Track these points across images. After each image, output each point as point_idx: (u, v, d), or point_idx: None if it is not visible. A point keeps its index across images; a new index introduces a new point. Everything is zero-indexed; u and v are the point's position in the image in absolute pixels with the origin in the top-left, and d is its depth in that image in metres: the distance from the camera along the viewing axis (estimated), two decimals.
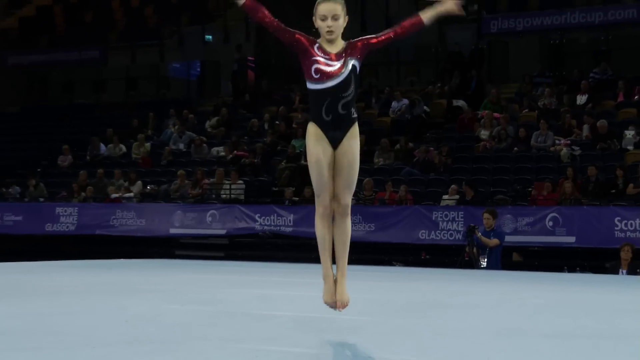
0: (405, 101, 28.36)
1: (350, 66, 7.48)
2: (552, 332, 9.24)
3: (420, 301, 12.78)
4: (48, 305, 11.25)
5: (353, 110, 7.56)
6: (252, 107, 31.77)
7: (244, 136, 29.80)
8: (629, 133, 23.95)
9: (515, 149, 25.13)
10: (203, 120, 31.77)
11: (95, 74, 38.22)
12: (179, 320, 9.63)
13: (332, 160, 7.57)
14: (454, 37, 31.76)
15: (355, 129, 7.60)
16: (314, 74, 7.44)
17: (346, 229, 7.74)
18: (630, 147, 23.67)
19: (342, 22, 7.52)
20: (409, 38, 26.86)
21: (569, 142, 24.35)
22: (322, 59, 7.45)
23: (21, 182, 30.29)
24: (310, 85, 7.52)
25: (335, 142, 7.55)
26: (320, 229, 7.63)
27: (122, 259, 21.76)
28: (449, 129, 27.58)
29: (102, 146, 31.64)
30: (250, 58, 34.47)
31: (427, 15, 7.73)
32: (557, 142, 24.50)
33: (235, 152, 28.55)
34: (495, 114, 26.53)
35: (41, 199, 29.15)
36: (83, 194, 28.54)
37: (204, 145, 29.81)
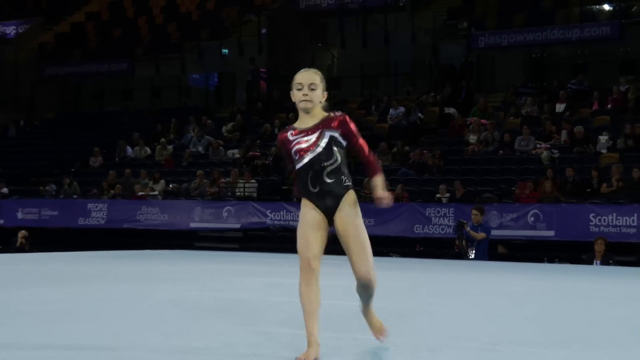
0: (402, 109, 28.32)
1: (327, 137, 6.44)
2: (534, 316, 9.24)
3: (415, 289, 12.78)
4: (81, 291, 11.26)
5: (344, 178, 6.45)
6: (264, 114, 31.74)
7: (256, 140, 29.78)
8: (603, 138, 23.94)
9: (501, 152, 25.10)
10: (220, 126, 31.74)
11: (123, 83, 38.19)
12: (198, 305, 9.63)
13: (325, 229, 6.48)
14: (446, 51, 31.73)
15: (350, 197, 6.49)
16: (294, 156, 6.49)
17: (371, 292, 6.63)
18: (604, 151, 23.64)
19: (320, 93, 6.54)
20: (406, 53, 26.78)
21: (548, 146, 24.32)
22: (297, 139, 6.50)
23: (57, 181, 30.29)
24: (295, 167, 6.55)
25: (328, 211, 6.47)
26: (304, 295, 6.33)
27: (147, 250, 21.76)
28: (441, 134, 27.55)
29: (129, 149, 31.65)
30: (262, 70, 34.45)
31: (376, 181, 6.57)
32: (538, 146, 24.47)
33: (248, 154, 28.56)
34: (483, 121, 26.49)
35: (74, 196, 29.14)
36: (112, 191, 28.55)
37: (221, 148, 29.79)
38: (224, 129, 31.40)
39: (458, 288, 12.99)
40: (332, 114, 6.57)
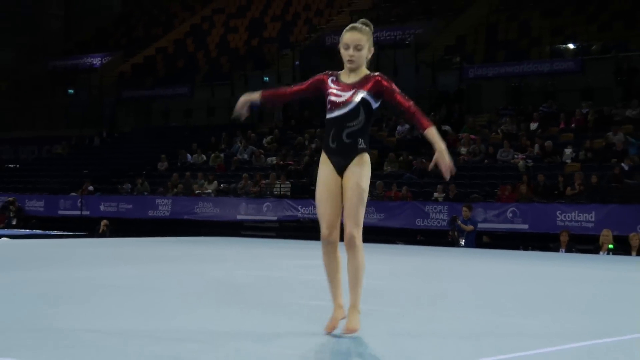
0: (407, 126, 28.26)
1: (359, 98, 5.63)
2: (512, 293, 9.22)
3: (418, 269, 12.77)
4: (150, 268, 11.30)
5: (361, 140, 5.66)
6: (297, 129, 31.75)
7: (290, 150, 29.78)
8: (568, 151, 23.83)
9: (486, 161, 25.03)
10: (261, 138, 31.76)
11: (184, 104, 38.25)
12: (244, 282, 9.65)
13: (338, 188, 5.67)
14: (443, 80, 31.67)
15: (361, 159, 5.66)
16: (327, 105, 5.73)
17: (356, 263, 5.60)
18: (569, 161, 23.54)
19: (366, 52, 5.74)
20: (411, 81, 26.69)
21: (524, 156, 24.22)
22: (334, 91, 5.71)
23: (132, 181, 30.39)
24: (326, 116, 5.77)
25: (341, 168, 5.66)
26: (326, 266, 5.73)
27: (202, 237, 21.80)
28: None
29: (189, 156, 31.70)
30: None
31: (431, 133, 5.70)
32: (516, 156, 24.39)
33: (284, 161, 28.57)
34: (472, 136, 26.42)
35: (145, 193, 29.22)
36: (175, 190, 28.60)
37: (262, 156, 29.82)
38: (264, 141, 31.43)
39: (451, 270, 12.97)
40: (370, 74, 5.77)
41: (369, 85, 5.68)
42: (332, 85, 5.75)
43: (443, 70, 31.91)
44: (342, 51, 5.77)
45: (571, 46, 30.19)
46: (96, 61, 43.79)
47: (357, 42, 5.71)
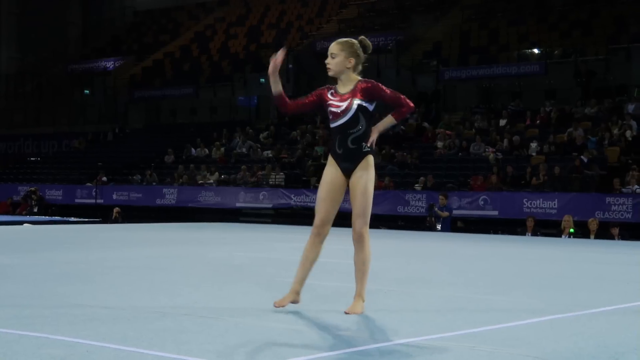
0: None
1: (355, 105, 5.58)
2: (484, 272, 9.22)
3: (398, 252, 12.77)
4: (158, 251, 11.27)
5: (364, 144, 5.60)
6: (291, 126, 31.71)
7: (285, 144, 29.76)
8: (533, 145, 23.84)
9: (460, 154, 25.04)
10: (258, 134, 31.71)
11: (190, 103, 38.18)
12: (243, 263, 9.63)
13: (341, 189, 5.67)
14: (421, 82, 31.66)
15: (366, 162, 5.62)
16: (329, 116, 5.66)
17: (363, 256, 5.59)
18: (534, 154, 23.55)
19: (341, 60, 5.62)
20: (392, 83, 26.73)
21: (494, 150, 24.25)
22: (333, 102, 5.64)
23: (141, 172, 30.34)
24: (330, 125, 5.71)
25: (348, 172, 5.62)
26: (307, 245, 5.68)
27: (205, 223, 21.78)
28: (417, 140, 27.47)
29: (193, 150, 31.65)
30: (289, 95, 34.50)
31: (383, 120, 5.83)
32: (487, 150, 24.40)
33: (279, 154, 28.53)
34: (447, 132, 26.43)
35: (154, 183, 29.18)
36: (180, 180, 28.57)
37: (259, 149, 29.78)
38: (261, 136, 31.40)
39: (429, 251, 12.98)
40: (359, 81, 5.68)
41: (360, 92, 5.62)
42: (330, 97, 5.68)
43: (421, 72, 31.90)
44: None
45: (536, 51, 30.22)
46: (110, 65, 43.64)
47: (330, 50, 5.68)
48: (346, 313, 5.48)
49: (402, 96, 5.73)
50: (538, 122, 25.77)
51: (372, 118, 5.73)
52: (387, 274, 8.27)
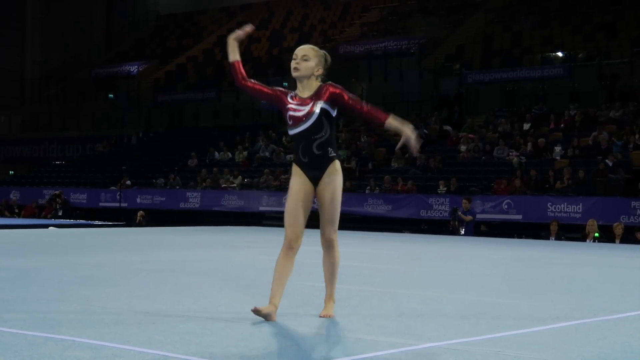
0: (412, 126, 28.25)
1: (318, 109, 5.30)
2: (507, 276, 9.19)
3: (422, 255, 12.75)
4: (182, 254, 11.31)
5: (330, 149, 5.34)
6: None
7: None
8: (557, 148, 23.73)
9: (483, 157, 24.95)
10: (281, 137, 31.77)
11: (213, 107, 38.29)
12: (266, 266, 9.62)
13: (310, 198, 5.48)
14: (444, 85, 31.63)
15: (334, 167, 5.39)
16: (288, 121, 5.37)
17: (333, 260, 5.61)
18: (558, 157, 23.44)
19: (313, 65, 5.41)
20: (415, 86, 26.60)
21: (518, 153, 24.15)
22: (293, 106, 5.36)
23: (165, 176, 30.46)
24: (289, 131, 5.44)
25: (316, 180, 5.39)
26: (280, 265, 5.46)
27: (228, 226, 21.83)
28: (440, 144, 27.43)
29: (217, 153, 31.73)
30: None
31: (391, 123, 5.42)
32: (510, 153, 24.31)
33: None
34: (470, 135, 26.35)
35: (177, 187, 29.28)
36: (204, 184, 28.64)
37: (282, 153, 29.82)
38: (284, 139, 31.43)
39: (452, 255, 12.94)
40: (322, 85, 5.44)
41: (325, 96, 5.35)
42: (290, 101, 5.41)
43: (444, 76, 31.85)
44: (291, 63, 5.51)
45: (559, 54, 30.10)
46: (134, 69, 43.86)
47: (303, 52, 5.46)
48: (321, 316, 5.48)
49: (372, 108, 5.43)
50: (562, 125, 25.66)
51: (335, 125, 5.46)
52: (410, 278, 8.25)
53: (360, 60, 34.61)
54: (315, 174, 5.38)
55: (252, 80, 5.63)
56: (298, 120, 5.34)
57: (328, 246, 5.57)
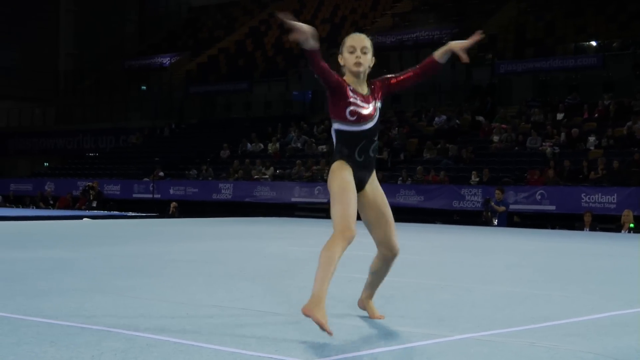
0: (444, 117, 28.10)
1: (378, 110, 4.91)
2: (541, 267, 9.12)
3: (455, 246, 12.69)
4: (215, 245, 11.35)
5: (375, 155, 4.97)
6: None
7: None
8: (591, 139, 23.53)
9: (516, 148, 24.80)
10: (312, 128, 31.77)
11: (244, 98, 38.36)
12: (299, 257, 9.66)
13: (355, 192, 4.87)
14: (476, 75, 31.43)
15: (375, 172, 5.06)
16: (349, 116, 4.76)
17: (388, 269, 5.17)
18: (592, 148, 23.24)
19: (370, 57, 4.90)
20: (447, 76, 26.48)
21: (551, 144, 23.96)
22: (357, 102, 4.79)
23: (197, 167, 30.58)
24: (343, 127, 4.81)
25: (361, 183, 4.91)
26: (330, 258, 4.64)
27: (261, 217, 21.88)
28: (473, 135, 27.28)
29: (249, 144, 31.79)
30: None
31: (438, 53, 5.12)
32: (543, 144, 24.14)
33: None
34: (503, 126, 26.20)
35: (210, 178, 29.38)
36: (236, 175, 28.72)
37: (313, 144, 29.82)
38: (315, 130, 31.43)
39: (485, 247, 12.88)
40: (372, 82, 4.98)
41: (378, 94, 4.95)
42: (352, 94, 4.82)
43: (477, 66, 31.61)
44: (347, 55, 4.89)
45: (593, 43, 29.81)
46: (166, 61, 44.08)
47: (362, 44, 4.89)
48: (374, 318, 5.16)
49: (418, 67, 5.19)
50: (596, 115, 25.42)
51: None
52: (443, 269, 8.22)
53: (392, 50, 34.51)
54: (363, 175, 4.89)
55: (325, 63, 4.82)
56: (364, 119, 4.81)
57: (394, 256, 5.07)
